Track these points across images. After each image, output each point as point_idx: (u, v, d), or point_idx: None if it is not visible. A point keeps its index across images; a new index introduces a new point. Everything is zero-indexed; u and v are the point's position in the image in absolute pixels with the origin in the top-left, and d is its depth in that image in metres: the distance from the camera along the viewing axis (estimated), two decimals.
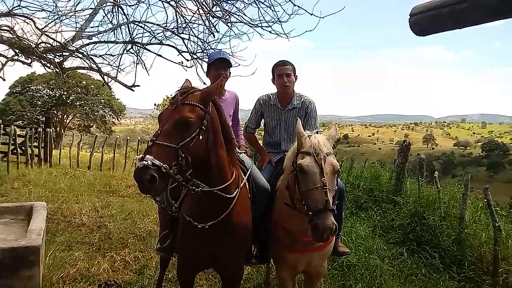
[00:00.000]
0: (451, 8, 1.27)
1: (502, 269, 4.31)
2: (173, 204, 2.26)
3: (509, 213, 5.52)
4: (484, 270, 4.46)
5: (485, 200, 4.73)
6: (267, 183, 3.05)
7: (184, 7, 5.35)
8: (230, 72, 3.34)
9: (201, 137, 2.20)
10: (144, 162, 1.94)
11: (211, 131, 2.30)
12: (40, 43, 5.00)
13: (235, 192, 2.52)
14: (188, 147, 2.12)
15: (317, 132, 3.47)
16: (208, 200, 2.42)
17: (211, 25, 5.32)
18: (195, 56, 5.56)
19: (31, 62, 5.29)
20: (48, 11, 4.97)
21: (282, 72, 3.50)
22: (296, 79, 3.60)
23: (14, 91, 36.11)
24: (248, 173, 2.88)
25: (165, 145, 2.05)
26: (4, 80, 5.41)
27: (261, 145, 3.85)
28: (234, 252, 2.65)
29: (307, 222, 2.36)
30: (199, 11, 5.26)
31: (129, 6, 5.24)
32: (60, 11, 4.99)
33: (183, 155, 2.08)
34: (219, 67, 3.23)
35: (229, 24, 5.32)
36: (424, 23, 1.39)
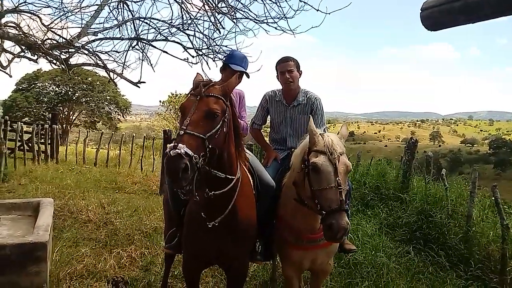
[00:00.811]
0: (463, 3, 1.24)
1: (510, 268, 4.27)
2: (196, 196, 2.26)
3: None
4: (491, 269, 4.42)
5: (493, 198, 4.69)
6: (273, 180, 3.03)
7: (190, 3, 5.33)
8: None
9: (224, 129, 2.23)
10: (177, 150, 1.92)
11: (228, 125, 2.33)
12: (46, 39, 5.01)
13: (237, 185, 2.52)
14: (213, 139, 2.13)
15: (324, 130, 3.46)
16: (215, 198, 2.41)
17: (217, 21, 5.29)
18: (200, 53, 5.54)
19: (37, 59, 5.30)
20: (54, 7, 4.98)
21: (285, 69, 3.48)
22: (300, 75, 3.56)
23: (21, 87, 36.34)
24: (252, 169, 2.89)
25: (195, 135, 2.05)
26: (10, 76, 5.44)
27: (267, 142, 3.84)
28: (239, 248, 2.65)
29: (319, 221, 2.38)
30: (204, 7, 5.23)
31: (134, 2, 5.23)
32: (65, 7, 4.99)
33: (210, 146, 2.09)
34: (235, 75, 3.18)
35: (234, 20, 5.29)
36: (435, 18, 1.37)
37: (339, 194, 2.26)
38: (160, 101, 31.59)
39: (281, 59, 3.55)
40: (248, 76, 3.29)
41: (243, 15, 5.24)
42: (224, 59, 3.53)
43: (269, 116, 3.79)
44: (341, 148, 2.45)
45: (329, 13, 4.44)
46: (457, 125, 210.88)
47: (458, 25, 1.34)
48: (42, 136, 12.12)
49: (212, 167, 2.27)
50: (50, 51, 5.07)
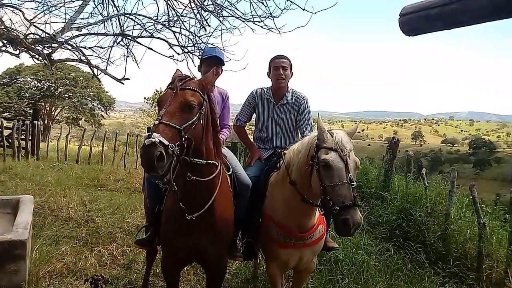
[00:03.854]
0: (440, 10, 1.28)
1: (486, 265, 4.40)
2: (174, 186, 2.30)
3: (494, 210, 5.61)
4: (468, 266, 4.54)
5: (471, 197, 4.80)
6: (249, 179, 3.06)
7: (176, 0, 5.30)
8: (222, 70, 3.33)
9: (201, 121, 2.27)
10: (151, 139, 1.96)
11: (205, 118, 2.35)
12: (29, 34, 4.91)
13: (219, 177, 2.56)
14: (189, 130, 2.17)
15: (310, 128, 3.50)
16: (195, 191, 2.45)
17: (203, 19, 5.27)
18: (186, 50, 5.51)
19: (19, 53, 5.18)
20: (37, 1, 4.91)
21: (279, 65, 3.49)
22: (292, 75, 3.59)
23: (2, 82, 35.54)
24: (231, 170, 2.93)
25: (170, 125, 2.09)
26: None
27: (251, 140, 3.84)
28: (216, 246, 2.67)
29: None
30: (190, 5, 5.21)
31: None
32: (49, 2, 4.92)
33: (186, 136, 2.12)
34: (212, 65, 3.18)
35: (220, 18, 5.28)
36: (413, 24, 1.41)
37: (352, 190, 2.31)
38: (144, 98, 31.34)
39: (276, 56, 3.57)
40: (223, 64, 3.33)
41: (229, 13, 5.23)
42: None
43: (254, 114, 3.80)
44: (349, 145, 2.48)
45: (315, 13, 4.48)
46: (439, 125, 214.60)
47: (435, 31, 1.38)
48: (23, 132, 11.89)
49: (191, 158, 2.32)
50: (32, 46, 4.97)
